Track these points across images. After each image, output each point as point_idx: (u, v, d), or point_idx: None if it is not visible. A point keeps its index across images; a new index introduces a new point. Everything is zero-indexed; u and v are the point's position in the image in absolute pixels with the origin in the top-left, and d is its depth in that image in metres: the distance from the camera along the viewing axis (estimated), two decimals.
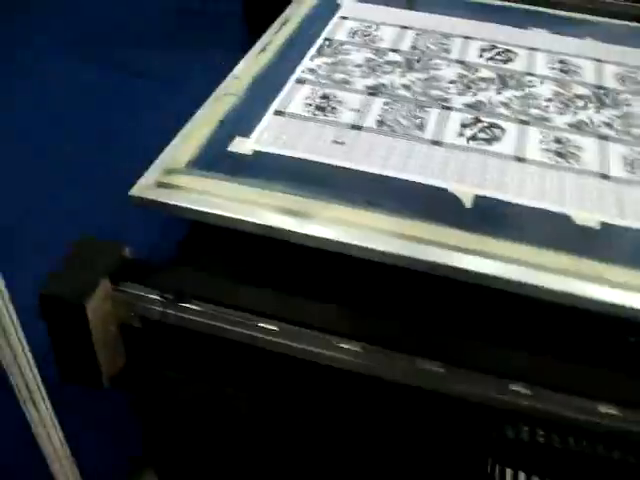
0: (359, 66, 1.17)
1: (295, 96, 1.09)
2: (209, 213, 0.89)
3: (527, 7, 1.39)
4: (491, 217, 0.90)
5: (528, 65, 1.20)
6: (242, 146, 0.99)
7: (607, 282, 0.83)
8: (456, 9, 1.35)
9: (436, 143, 1.01)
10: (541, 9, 1.39)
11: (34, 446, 0.84)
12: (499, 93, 1.12)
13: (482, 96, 1.11)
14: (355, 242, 0.86)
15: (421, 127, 1.04)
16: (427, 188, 0.93)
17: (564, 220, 0.91)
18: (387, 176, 0.95)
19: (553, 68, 1.20)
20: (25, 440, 0.83)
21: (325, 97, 1.09)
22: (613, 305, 0.81)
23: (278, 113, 1.05)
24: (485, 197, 0.92)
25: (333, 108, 1.07)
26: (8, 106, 1.72)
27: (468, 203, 0.91)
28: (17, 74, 1.82)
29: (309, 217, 0.88)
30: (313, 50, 1.21)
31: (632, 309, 0.80)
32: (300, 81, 1.13)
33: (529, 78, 1.16)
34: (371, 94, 1.10)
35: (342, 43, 1.23)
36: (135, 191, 0.92)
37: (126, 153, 1.56)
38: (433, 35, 1.27)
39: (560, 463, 0.77)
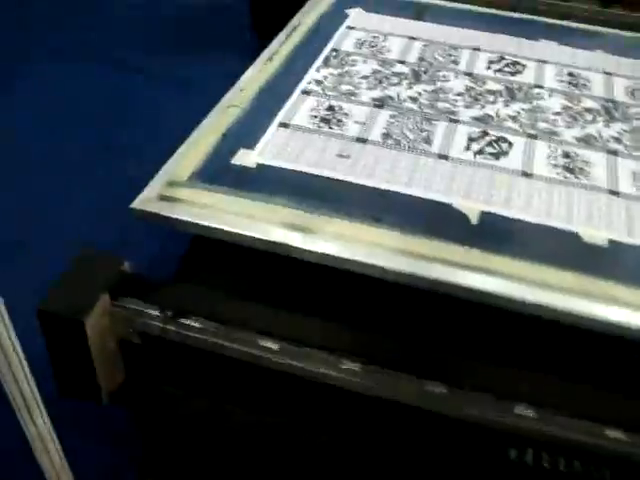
0: (366, 77, 1.16)
1: (300, 108, 1.08)
2: (211, 227, 0.88)
3: (537, 18, 1.37)
4: (497, 234, 0.88)
5: (537, 77, 1.18)
6: (246, 159, 0.98)
7: (614, 301, 0.81)
8: (465, 20, 1.34)
9: (442, 157, 0.99)
10: (551, 20, 1.37)
11: (32, 461, 0.83)
12: (507, 106, 1.11)
13: (490, 109, 1.10)
14: (357, 258, 0.84)
15: (427, 140, 1.02)
16: (432, 203, 0.92)
17: (571, 237, 0.89)
18: (392, 191, 0.94)
19: (562, 81, 1.18)
20: (25, 455, 0.82)
21: (331, 109, 1.08)
22: (620, 325, 0.80)
23: (283, 125, 1.04)
24: (491, 213, 0.91)
25: (339, 120, 1.05)
26: (7, 108, 1.72)
27: (474, 219, 0.90)
28: (17, 78, 1.81)
29: (312, 232, 0.87)
30: (319, 61, 1.20)
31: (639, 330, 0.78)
32: (306, 92, 1.12)
33: (537, 91, 1.15)
34: (377, 106, 1.09)
35: (349, 54, 1.22)
36: (137, 204, 0.91)
37: (130, 160, 1.55)
38: (441, 46, 1.26)
39: None
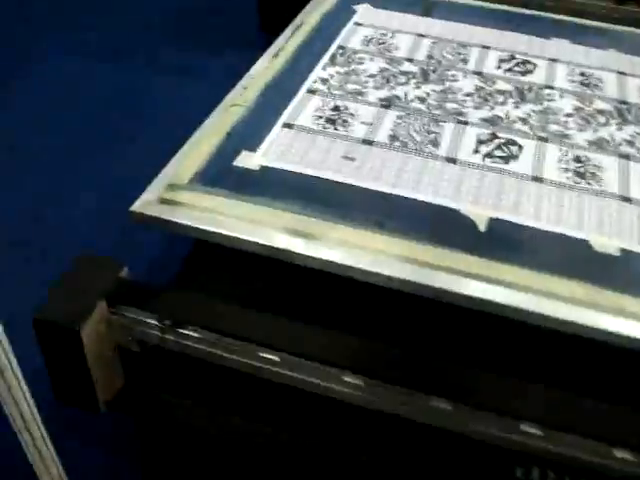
0: (373, 76, 1.13)
1: (305, 107, 1.05)
2: (212, 232, 0.86)
3: (548, 15, 1.34)
4: (505, 242, 0.86)
5: (548, 77, 1.16)
6: (248, 161, 0.95)
7: (625, 313, 0.79)
8: (474, 16, 1.31)
9: (450, 160, 0.97)
10: (563, 17, 1.34)
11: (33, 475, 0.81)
12: (517, 107, 1.08)
13: (499, 110, 1.07)
14: (361, 266, 0.82)
15: (435, 143, 1.00)
16: (439, 209, 0.90)
17: (582, 246, 0.87)
18: (398, 195, 0.91)
19: (573, 81, 1.15)
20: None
21: (336, 109, 1.06)
22: (631, 338, 0.77)
23: (287, 126, 1.02)
24: (500, 220, 0.89)
25: (344, 121, 1.03)
26: (9, 106, 1.70)
27: (482, 226, 0.88)
28: (18, 75, 1.79)
29: (315, 238, 0.85)
30: (326, 58, 1.17)
31: None
32: (311, 91, 1.09)
33: (548, 91, 1.12)
34: (384, 106, 1.06)
35: (356, 51, 1.19)
36: (136, 207, 0.89)
37: (133, 157, 1.53)
38: (450, 44, 1.23)
39: None
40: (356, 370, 0.72)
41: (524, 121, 1.05)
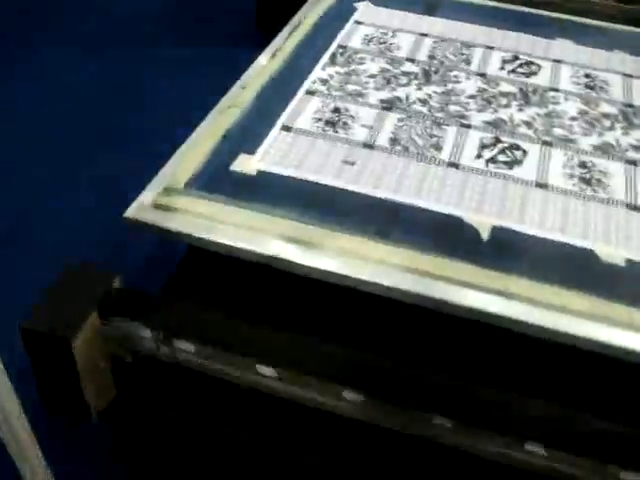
0: (373, 77, 1.11)
1: (304, 109, 1.03)
2: (208, 240, 0.83)
3: (552, 15, 1.31)
4: (509, 251, 0.84)
5: (552, 79, 1.13)
6: (246, 165, 0.93)
7: (634, 327, 0.77)
8: (477, 15, 1.28)
9: (453, 165, 0.95)
10: (567, 17, 1.31)
11: None
12: (521, 110, 1.06)
13: (503, 113, 1.05)
14: (361, 276, 0.80)
15: (437, 147, 0.97)
16: (442, 216, 0.88)
17: (588, 256, 0.85)
18: (399, 202, 0.89)
19: (578, 83, 1.13)
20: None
21: (336, 111, 1.03)
22: (637, 353, 0.75)
23: (285, 128, 0.99)
24: (503, 228, 0.86)
25: (344, 123, 1.01)
26: (9, 105, 1.67)
27: (485, 235, 0.85)
28: (18, 75, 1.76)
29: (314, 247, 0.83)
30: (325, 58, 1.15)
31: None
32: (310, 92, 1.07)
33: (553, 94, 1.10)
34: (385, 108, 1.04)
35: (356, 51, 1.17)
36: (130, 213, 0.86)
37: (131, 151, 1.51)
38: (452, 44, 1.20)
39: None
40: (356, 386, 0.70)
41: (528, 125, 1.03)
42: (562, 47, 1.22)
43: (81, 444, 1.07)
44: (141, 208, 0.87)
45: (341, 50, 1.17)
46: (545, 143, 0.99)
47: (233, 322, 0.74)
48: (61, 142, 1.57)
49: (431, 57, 1.16)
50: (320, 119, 1.01)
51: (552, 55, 1.19)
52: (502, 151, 0.97)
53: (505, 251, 0.84)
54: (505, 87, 1.10)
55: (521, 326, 0.77)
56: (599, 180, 0.94)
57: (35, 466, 0.81)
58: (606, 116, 1.06)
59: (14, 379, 0.74)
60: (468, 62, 1.16)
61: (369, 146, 0.97)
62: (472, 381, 0.73)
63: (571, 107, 1.07)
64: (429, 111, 1.04)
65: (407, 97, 1.06)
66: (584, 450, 0.66)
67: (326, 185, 0.91)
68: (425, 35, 1.22)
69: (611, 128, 1.04)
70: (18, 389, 0.76)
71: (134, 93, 1.74)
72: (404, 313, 0.82)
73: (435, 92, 1.08)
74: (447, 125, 1.01)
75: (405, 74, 1.12)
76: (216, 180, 0.91)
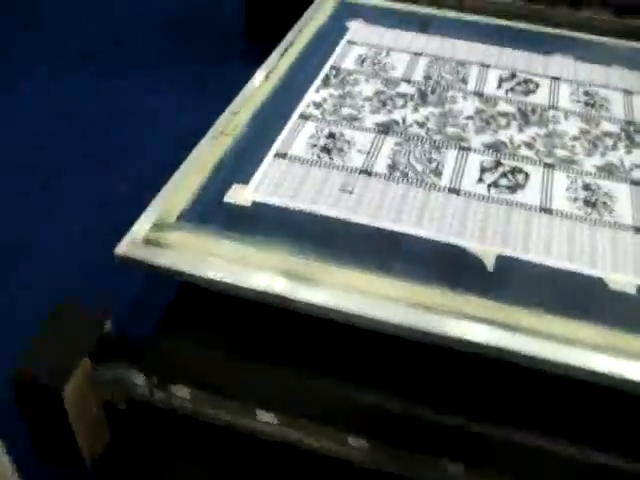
0: (368, 99, 1.08)
1: (298, 135, 1.00)
2: (201, 277, 0.80)
3: (548, 30, 1.29)
4: (515, 282, 0.81)
5: (551, 97, 1.11)
6: (239, 195, 0.90)
7: None
8: (472, 33, 1.26)
9: (453, 191, 0.92)
10: (564, 32, 1.29)
11: None
12: (521, 131, 1.03)
13: (503, 135, 1.02)
14: (362, 312, 0.77)
15: (437, 172, 0.94)
16: (444, 247, 0.84)
17: (596, 284, 0.82)
18: (399, 233, 0.86)
19: (578, 101, 1.10)
20: None
21: (331, 136, 1.00)
22: None
23: (279, 156, 0.96)
24: (508, 257, 0.83)
25: (340, 149, 0.98)
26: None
27: (490, 265, 0.82)
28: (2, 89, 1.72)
29: (312, 282, 0.79)
30: (319, 80, 1.12)
31: None
32: (304, 117, 1.04)
33: (552, 113, 1.07)
34: (381, 132, 1.01)
35: (350, 72, 1.14)
36: (120, 250, 0.83)
37: (125, 172, 1.47)
38: (448, 62, 1.17)
39: None
40: (360, 432, 0.66)
41: (529, 146, 1.00)
42: (560, 63, 1.19)
43: None
44: (132, 244, 0.83)
45: (334, 71, 1.14)
46: (547, 165, 0.97)
47: (231, 366, 0.71)
48: (46, 167, 1.52)
49: (427, 77, 1.14)
50: (315, 145, 0.98)
51: (550, 72, 1.17)
52: (504, 175, 0.95)
53: (511, 282, 0.81)
54: (503, 107, 1.08)
55: (532, 361, 0.74)
56: (604, 203, 0.92)
57: None
58: (608, 135, 1.03)
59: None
60: (464, 81, 1.13)
61: (366, 173, 0.94)
62: (482, 421, 0.69)
63: (572, 126, 1.05)
64: (427, 134, 1.01)
65: (404, 120, 1.04)
66: None
67: (323, 215, 0.88)
68: (420, 54, 1.19)
69: (614, 147, 1.01)
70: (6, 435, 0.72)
71: (120, 111, 1.70)
72: (406, 348, 0.78)
73: (432, 114, 1.05)
74: (446, 148, 0.99)
75: (401, 95, 1.09)
76: (209, 213, 0.87)
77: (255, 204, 0.89)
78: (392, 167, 0.95)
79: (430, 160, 0.96)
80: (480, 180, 0.94)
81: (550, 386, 0.76)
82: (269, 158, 0.96)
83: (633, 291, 0.81)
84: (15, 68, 1.81)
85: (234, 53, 1.85)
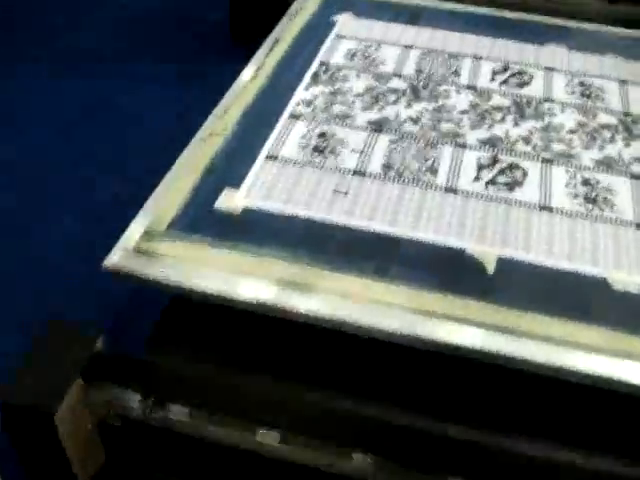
0: (360, 95, 1.05)
1: (289, 135, 0.97)
2: (193, 289, 0.77)
3: (540, 18, 1.26)
4: (517, 284, 0.79)
5: (545, 89, 1.08)
6: (230, 201, 0.87)
7: None
8: (462, 24, 1.23)
9: (450, 190, 0.89)
10: (555, 20, 1.26)
11: None
12: (517, 124, 1.01)
13: (498, 129, 0.99)
14: (360, 320, 0.74)
15: (432, 170, 0.92)
16: (443, 249, 0.82)
17: (599, 284, 0.80)
18: (397, 235, 0.83)
19: (573, 92, 1.08)
20: None
21: (323, 135, 0.97)
22: None
23: (270, 158, 0.94)
24: (509, 259, 0.81)
25: (332, 149, 0.95)
26: None
27: (490, 267, 0.80)
28: None
29: (308, 290, 0.77)
30: (308, 77, 1.09)
31: None
32: (294, 116, 1.01)
33: (548, 105, 1.05)
34: (375, 130, 0.98)
35: (339, 68, 1.11)
36: (109, 262, 0.80)
37: (113, 176, 1.43)
38: (439, 55, 1.15)
39: None
40: (366, 449, 0.64)
41: (526, 141, 0.98)
42: (553, 53, 1.17)
43: None
44: (121, 255, 0.81)
45: (324, 67, 1.11)
46: (545, 160, 0.95)
47: (228, 382, 0.69)
48: (25, 174, 1.48)
49: (418, 71, 1.11)
50: (307, 145, 0.96)
51: (543, 62, 1.14)
52: (501, 172, 0.92)
53: (512, 284, 0.79)
54: (498, 100, 1.05)
55: (536, 367, 0.72)
56: (605, 198, 0.90)
57: None
58: (606, 127, 1.01)
59: None
60: (457, 74, 1.11)
61: (361, 173, 0.91)
62: (489, 432, 0.68)
63: (568, 119, 1.03)
64: (421, 130, 0.99)
65: (397, 116, 1.01)
66: None
67: (318, 220, 0.85)
68: (410, 47, 1.17)
69: (612, 140, 0.99)
70: None
71: (104, 113, 1.66)
72: (407, 355, 0.76)
73: (426, 109, 1.03)
74: (441, 145, 0.96)
75: (393, 91, 1.06)
76: (200, 220, 0.85)
77: (247, 209, 0.86)
78: (387, 166, 0.92)
79: (425, 158, 0.94)
80: (477, 178, 0.92)
81: (554, 392, 0.74)
82: (260, 160, 0.93)
83: (637, 291, 0.79)
84: None
85: (218, 51, 1.81)
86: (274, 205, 0.86)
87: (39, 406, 0.67)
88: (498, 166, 0.93)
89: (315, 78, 1.08)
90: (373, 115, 1.01)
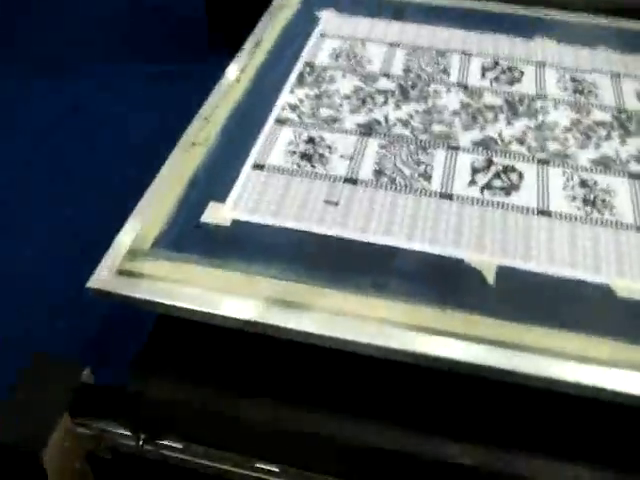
0: (347, 97, 1.02)
1: (276, 142, 0.94)
2: (181, 308, 0.74)
3: (527, 11, 1.23)
4: (518, 295, 0.76)
5: (537, 85, 1.05)
6: (217, 214, 0.84)
7: None
8: (449, 19, 1.20)
9: (445, 196, 0.86)
10: (543, 12, 1.23)
11: None
12: (510, 124, 0.98)
13: (491, 130, 0.96)
14: (358, 338, 0.71)
15: (426, 175, 0.89)
16: (440, 260, 0.79)
17: (602, 292, 0.77)
18: (391, 247, 0.80)
19: (566, 88, 1.05)
20: None
21: (311, 141, 0.94)
22: None
23: (257, 167, 0.90)
24: (509, 268, 0.78)
25: (321, 156, 0.92)
26: None
27: (490, 278, 0.77)
28: None
29: (301, 308, 0.74)
30: (292, 79, 1.05)
31: None
32: (280, 121, 0.97)
33: (541, 103, 1.02)
34: (364, 134, 0.95)
35: (325, 68, 1.07)
36: (93, 283, 0.76)
37: (81, 194, 1.38)
38: (427, 52, 1.11)
39: None
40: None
41: (520, 141, 0.95)
42: (543, 47, 1.14)
43: None
44: (104, 277, 0.77)
45: (309, 68, 1.07)
46: (541, 162, 0.92)
47: (227, 418, 0.65)
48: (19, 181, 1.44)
49: (406, 70, 1.07)
50: (294, 152, 0.92)
51: (533, 57, 1.12)
52: (497, 175, 0.89)
53: (514, 295, 0.76)
54: (489, 99, 1.02)
55: (541, 382, 0.69)
56: (604, 200, 0.87)
57: None
58: (600, 124, 0.98)
59: None
60: (446, 72, 1.07)
61: (352, 181, 0.88)
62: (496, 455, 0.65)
63: (562, 116, 1.00)
64: (412, 133, 0.95)
65: (386, 119, 0.98)
66: None
67: (309, 232, 0.82)
68: (397, 45, 1.13)
69: (607, 138, 0.96)
70: None
71: (79, 118, 1.61)
72: (406, 373, 0.73)
73: (416, 111, 0.99)
74: (434, 148, 0.93)
75: (381, 92, 1.03)
76: (186, 236, 0.81)
77: (235, 223, 0.83)
78: (378, 172, 0.89)
79: (418, 163, 0.91)
80: (472, 182, 0.89)
81: (558, 407, 0.71)
82: (246, 170, 0.89)
83: None
84: None
85: (197, 51, 1.76)
86: (263, 218, 0.83)
87: (25, 445, 0.63)
88: (493, 169, 0.90)
89: (300, 80, 1.05)
90: (361, 118, 0.98)
